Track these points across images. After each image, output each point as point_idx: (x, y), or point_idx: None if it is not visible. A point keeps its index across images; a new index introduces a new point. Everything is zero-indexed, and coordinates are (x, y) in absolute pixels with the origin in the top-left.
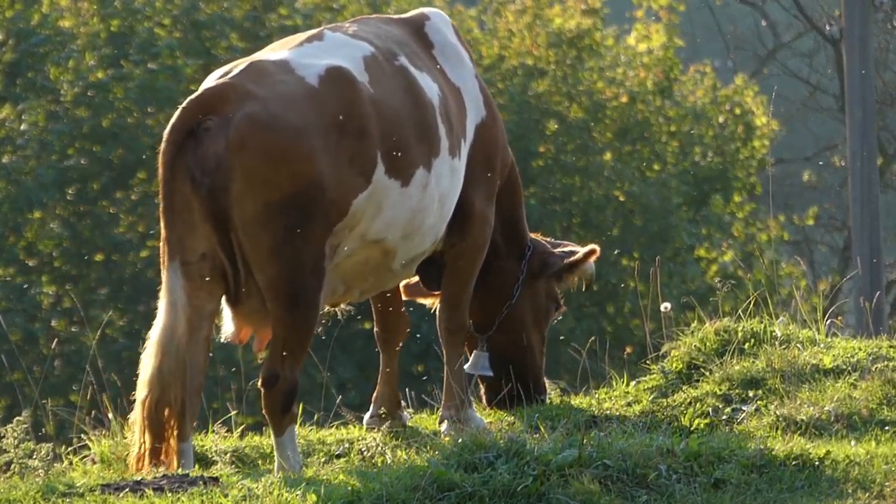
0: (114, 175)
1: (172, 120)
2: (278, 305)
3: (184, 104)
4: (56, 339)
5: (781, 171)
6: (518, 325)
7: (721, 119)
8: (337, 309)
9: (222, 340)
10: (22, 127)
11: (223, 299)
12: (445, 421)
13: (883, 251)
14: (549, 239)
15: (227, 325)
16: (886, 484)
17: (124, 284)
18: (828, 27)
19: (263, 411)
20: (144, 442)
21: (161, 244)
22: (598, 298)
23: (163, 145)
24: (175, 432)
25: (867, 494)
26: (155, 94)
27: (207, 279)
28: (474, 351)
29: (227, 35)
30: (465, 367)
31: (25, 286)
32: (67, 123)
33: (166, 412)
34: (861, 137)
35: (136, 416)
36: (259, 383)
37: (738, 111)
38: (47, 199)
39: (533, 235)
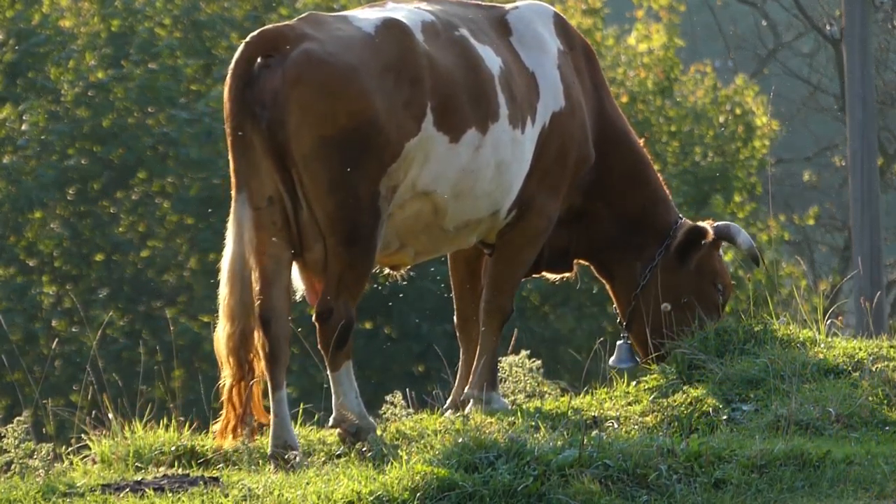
0: (114, 175)
1: (235, 56)
2: (336, 241)
3: (246, 40)
4: (56, 339)
5: (781, 171)
6: (660, 313)
7: (721, 119)
8: (396, 273)
9: (297, 299)
10: (22, 127)
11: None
12: (469, 400)
13: (883, 251)
14: (709, 222)
15: (298, 282)
16: (887, 484)
17: (124, 284)
18: (828, 27)
19: (318, 346)
20: (234, 406)
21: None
22: (599, 298)
23: (228, 80)
24: (261, 363)
25: (867, 494)
26: (155, 94)
27: (279, 227)
28: (618, 342)
29: (227, 35)
30: (610, 361)
31: (25, 286)
32: (68, 123)
33: (251, 343)
34: (861, 137)
35: (223, 359)
36: (314, 318)
37: (738, 111)
38: (47, 199)
39: (706, 223)
